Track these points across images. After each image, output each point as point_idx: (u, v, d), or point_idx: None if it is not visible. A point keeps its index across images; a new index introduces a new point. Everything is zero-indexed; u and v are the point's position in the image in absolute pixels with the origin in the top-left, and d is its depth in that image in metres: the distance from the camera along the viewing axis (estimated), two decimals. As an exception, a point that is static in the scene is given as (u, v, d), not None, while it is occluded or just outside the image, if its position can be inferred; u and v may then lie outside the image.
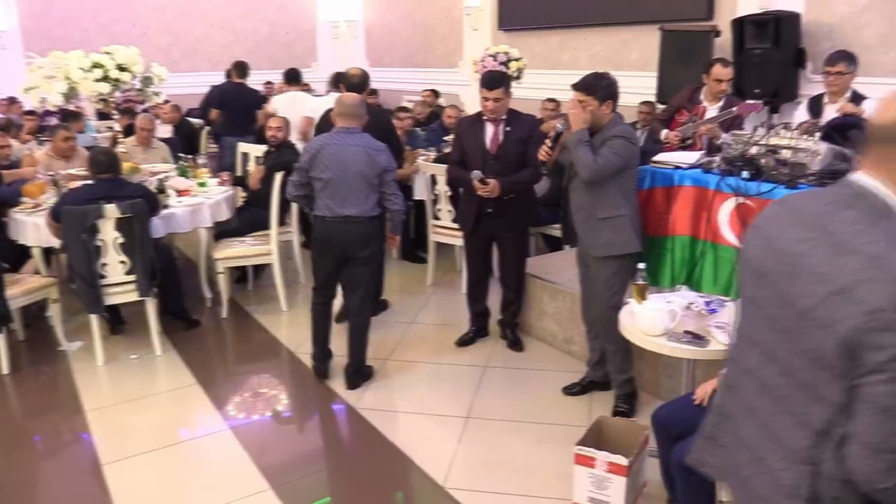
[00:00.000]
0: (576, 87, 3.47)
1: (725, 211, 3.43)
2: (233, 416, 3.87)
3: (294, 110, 6.94)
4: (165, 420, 3.85)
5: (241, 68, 8.02)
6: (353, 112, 3.91)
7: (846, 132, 3.71)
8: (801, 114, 4.62)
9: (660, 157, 3.86)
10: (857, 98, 4.36)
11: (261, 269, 5.87)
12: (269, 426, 3.82)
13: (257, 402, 4.04)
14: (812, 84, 5.82)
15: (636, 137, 3.74)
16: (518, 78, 6.45)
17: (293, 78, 7.64)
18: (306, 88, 8.57)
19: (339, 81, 5.97)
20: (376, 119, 4.66)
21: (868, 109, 4.17)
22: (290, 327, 5.06)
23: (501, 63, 6.35)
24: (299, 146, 6.08)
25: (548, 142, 3.61)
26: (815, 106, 4.55)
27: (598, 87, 3.42)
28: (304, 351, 4.60)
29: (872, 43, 5.46)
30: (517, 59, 6.41)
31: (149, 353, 4.56)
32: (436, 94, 8.86)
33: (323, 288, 4.16)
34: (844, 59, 4.33)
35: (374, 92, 10.11)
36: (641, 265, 3.20)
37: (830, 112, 4.41)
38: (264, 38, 11.32)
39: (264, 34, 11.31)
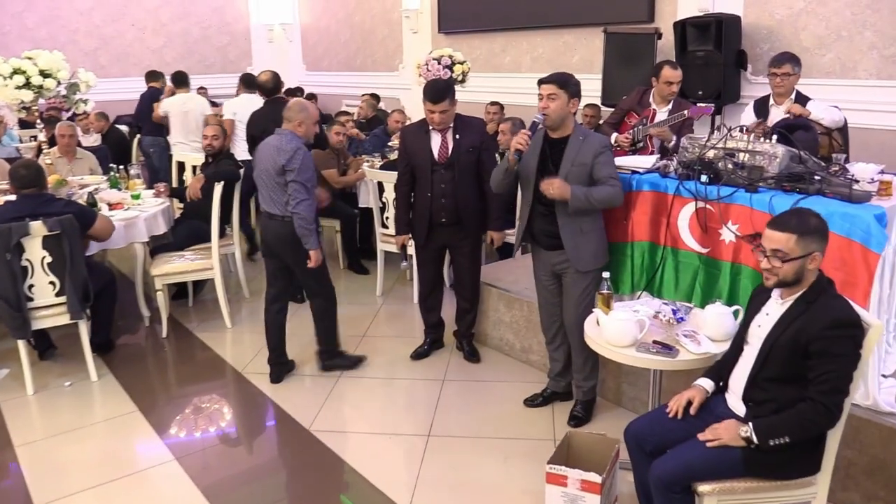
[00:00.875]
0: (547, 80, 3.37)
1: (685, 216, 3.39)
2: (178, 444, 3.63)
3: (183, 112, 7.23)
4: (104, 453, 3.57)
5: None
6: (286, 115, 3.99)
7: (792, 133, 3.74)
8: (747, 115, 4.64)
9: (617, 161, 3.79)
10: (801, 99, 4.40)
11: (201, 284, 5.60)
12: (218, 454, 3.59)
13: (204, 428, 3.81)
14: (752, 85, 5.90)
15: None
16: (463, 82, 6.35)
17: (181, 81, 7.70)
18: (203, 92, 8.97)
19: (254, 86, 6.25)
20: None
21: (812, 110, 4.22)
22: (236, 345, 4.84)
23: (446, 66, 6.23)
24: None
25: (526, 131, 3.36)
26: (762, 107, 4.58)
27: (570, 83, 3.36)
28: (251, 370, 4.39)
29: (810, 45, 5.55)
30: (461, 63, 6.30)
31: (83, 379, 4.27)
32: (376, 98, 8.71)
33: (269, 286, 4.23)
34: (789, 61, 4.37)
35: (312, 96, 9.93)
36: (606, 274, 3.12)
37: (776, 113, 4.45)
38: (197, 42, 10.95)
39: (197, 37, 10.95)
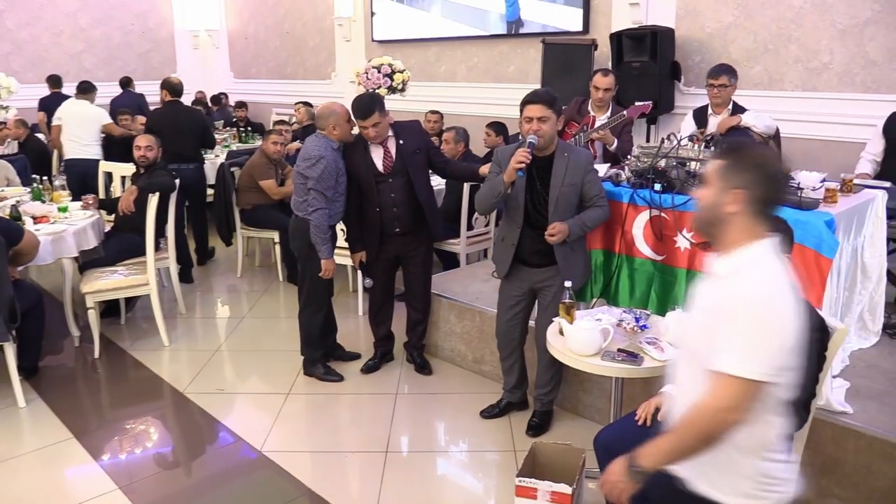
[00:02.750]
0: (536, 100, 3.26)
1: (640, 224, 3.44)
2: (121, 471, 3.41)
3: (79, 119, 7.07)
4: (39, 485, 3.33)
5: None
6: (318, 124, 4.05)
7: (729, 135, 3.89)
8: (687, 124, 4.76)
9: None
10: (738, 109, 4.54)
11: (133, 301, 5.35)
12: (166, 480, 3.39)
13: (148, 453, 3.61)
14: (686, 96, 6.08)
15: None
16: (403, 90, 6.29)
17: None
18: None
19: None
20: (190, 117, 6.36)
21: (744, 118, 4.36)
22: (174, 363, 4.62)
23: (386, 75, 6.16)
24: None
25: (526, 150, 3.27)
26: (701, 116, 4.71)
27: (555, 102, 3.30)
28: (192, 389, 4.21)
29: (739, 57, 5.75)
30: (401, 71, 6.24)
31: (10, 405, 3.98)
32: (308, 106, 8.55)
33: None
34: (726, 73, 4.50)
35: (241, 104, 9.69)
36: (568, 283, 3.12)
37: (715, 122, 4.58)
38: (118, 48, 10.51)
39: (118, 43, 10.50)
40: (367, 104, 3.92)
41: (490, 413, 3.82)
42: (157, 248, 4.99)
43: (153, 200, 4.66)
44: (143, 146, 5.11)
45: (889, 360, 3.51)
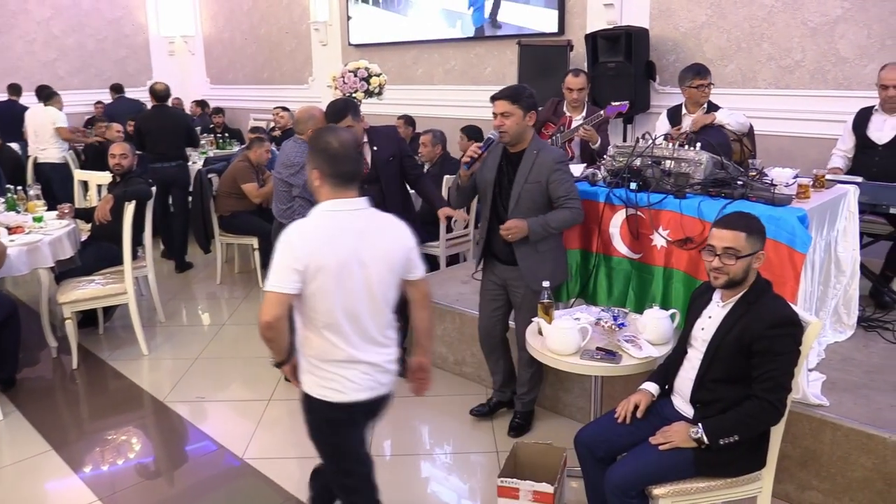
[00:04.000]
0: (499, 96, 3.27)
1: (617, 223, 3.46)
2: (101, 483, 3.38)
3: (36, 123, 7.76)
4: (17, 498, 3.29)
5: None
6: (297, 129, 4.13)
7: (704, 133, 3.94)
8: (662, 124, 4.80)
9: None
10: (712, 107, 4.58)
11: (111, 310, 5.30)
12: (148, 490, 3.36)
13: (129, 464, 3.58)
14: (661, 95, 6.13)
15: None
16: (380, 94, 6.29)
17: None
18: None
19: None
20: (175, 119, 6.83)
21: (718, 115, 4.40)
22: (154, 372, 4.59)
23: (362, 79, 6.15)
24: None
25: (477, 145, 3.33)
26: (675, 116, 4.74)
27: (523, 97, 3.25)
28: (173, 398, 4.18)
29: (713, 56, 5.81)
30: (378, 75, 6.23)
31: (-13, 418, 3.95)
32: (286, 111, 8.51)
33: None
34: (709, 72, 4.54)
35: (219, 110, 9.65)
36: (546, 283, 3.13)
37: (689, 121, 4.61)
38: (93, 55, 10.41)
39: (92, 50, 10.40)
40: (340, 108, 3.92)
41: (479, 411, 3.82)
42: (135, 256, 4.95)
43: (129, 209, 4.62)
44: (117, 154, 5.05)
45: (864, 352, 3.56)
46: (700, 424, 2.39)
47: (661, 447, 2.42)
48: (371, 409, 2.45)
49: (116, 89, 9.32)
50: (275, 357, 2.41)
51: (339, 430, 2.40)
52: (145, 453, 3.72)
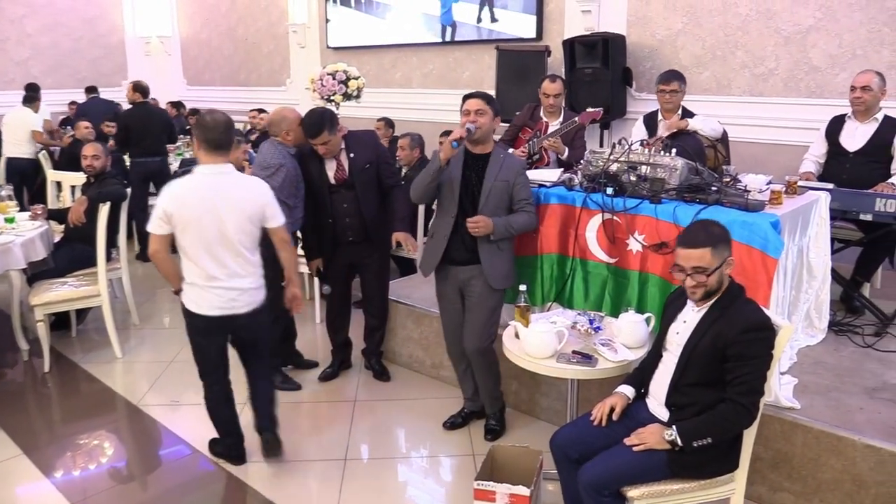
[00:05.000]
0: (474, 95, 3.41)
1: (593, 227, 3.48)
2: (74, 488, 3.34)
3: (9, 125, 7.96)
4: (-14, 502, 3.26)
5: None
6: (271, 131, 4.08)
7: (678, 138, 3.98)
8: (638, 129, 4.84)
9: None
10: (687, 114, 4.63)
11: (85, 312, 5.24)
12: (121, 494, 3.32)
13: (102, 468, 3.53)
14: (637, 101, 6.19)
15: None
16: (358, 97, 6.29)
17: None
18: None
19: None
20: (158, 116, 7.24)
21: (692, 122, 4.45)
22: (128, 375, 4.54)
23: (340, 81, 6.14)
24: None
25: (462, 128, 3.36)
26: (651, 122, 4.79)
27: (494, 101, 3.43)
28: (148, 401, 4.14)
29: (688, 63, 5.89)
30: (356, 78, 6.23)
31: (-45, 422, 3.88)
32: (264, 113, 8.47)
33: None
34: (677, 79, 4.59)
35: (195, 111, 9.56)
36: (523, 287, 3.15)
37: (664, 128, 4.66)
38: (67, 55, 10.29)
39: (67, 50, 10.28)
40: (317, 123, 3.87)
41: (453, 423, 3.81)
42: (109, 258, 4.90)
43: (104, 210, 4.57)
44: (89, 155, 5.00)
45: (835, 356, 3.62)
46: (674, 427, 2.41)
47: (634, 448, 2.44)
48: (224, 324, 3.22)
49: (90, 90, 9.25)
50: (171, 286, 3.26)
51: (198, 334, 3.27)
52: (118, 457, 3.67)
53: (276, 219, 3.25)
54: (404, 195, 4.15)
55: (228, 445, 3.49)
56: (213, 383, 3.36)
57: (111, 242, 4.92)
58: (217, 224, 3.06)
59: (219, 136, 3.10)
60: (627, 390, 2.68)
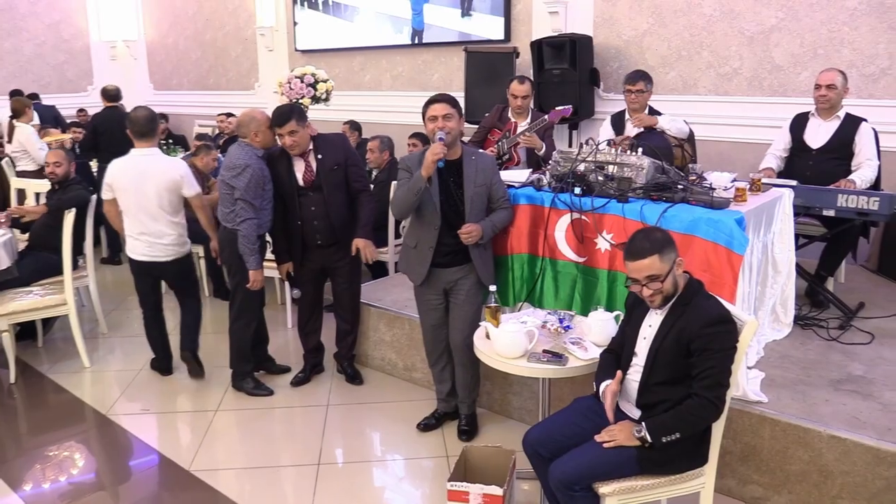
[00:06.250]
0: (439, 99, 3.42)
1: (562, 227, 3.51)
2: (41, 500, 3.28)
3: None
4: (-49, 518, 3.19)
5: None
6: (240, 132, 4.08)
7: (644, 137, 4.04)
8: (605, 129, 4.89)
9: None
10: (653, 113, 4.68)
11: (51, 322, 5.15)
12: (87, 505, 3.29)
13: (70, 480, 3.47)
14: (605, 102, 6.25)
15: None
16: (327, 100, 6.25)
17: None
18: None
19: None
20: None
21: (659, 121, 4.50)
22: (97, 385, 4.47)
23: (309, 85, 6.10)
24: None
25: (439, 143, 3.35)
26: (618, 122, 4.84)
27: (458, 103, 3.46)
28: (117, 411, 4.08)
29: (654, 64, 5.96)
30: (325, 81, 6.19)
31: (-83, 436, 3.79)
32: (232, 117, 8.40)
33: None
34: (642, 79, 4.64)
35: (163, 116, 9.45)
36: (493, 287, 3.16)
37: (632, 127, 4.71)
38: (30, 60, 10.10)
39: (30, 55, 10.09)
40: (285, 112, 3.92)
41: (426, 425, 3.80)
42: (75, 266, 4.83)
43: (69, 217, 4.50)
44: (51, 162, 4.94)
45: (800, 350, 3.68)
46: (643, 423, 2.44)
47: (605, 444, 2.46)
48: (150, 267, 4.25)
49: (32, 97, 8.84)
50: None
51: (133, 273, 4.34)
52: (88, 469, 3.62)
53: (191, 189, 4.22)
54: (370, 202, 4.14)
55: (159, 359, 4.53)
56: (147, 311, 4.42)
57: (77, 250, 4.85)
58: (142, 191, 4.09)
59: (142, 128, 4.14)
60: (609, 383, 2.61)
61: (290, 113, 3.90)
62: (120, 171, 4.16)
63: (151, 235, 4.13)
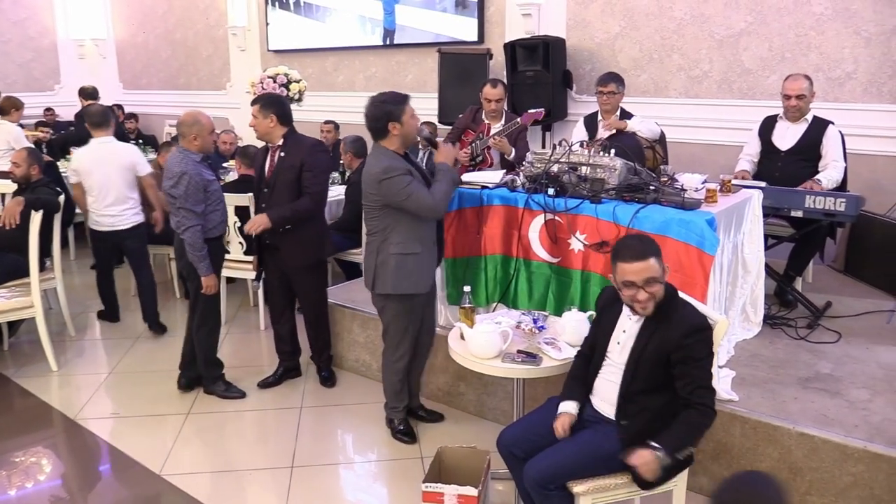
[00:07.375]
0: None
1: (535, 228, 3.52)
2: (5, 506, 3.23)
3: None
4: (-87, 526, 3.11)
5: None
6: (179, 131, 3.98)
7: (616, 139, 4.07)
8: (579, 131, 4.92)
9: (466, 177, 3.89)
10: (626, 115, 4.73)
11: (16, 325, 5.05)
12: (55, 511, 3.23)
13: (37, 486, 3.41)
14: (578, 103, 6.29)
15: None
16: (300, 100, 6.23)
17: None
18: None
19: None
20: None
21: (630, 123, 4.55)
22: (64, 388, 4.39)
23: (282, 85, 6.08)
24: None
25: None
26: (591, 123, 4.88)
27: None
28: (86, 415, 4.02)
29: (626, 66, 6.01)
30: (297, 81, 6.17)
31: None
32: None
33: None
34: (614, 80, 4.69)
35: (132, 116, 9.35)
36: (467, 288, 3.16)
37: (603, 129, 4.75)
38: (-6, 59, 9.91)
39: (-7, 53, 9.91)
40: (265, 96, 4.14)
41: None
42: (42, 267, 4.74)
43: (36, 218, 4.42)
44: (12, 163, 4.89)
45: (770, 348, 3.73)
46: (661, 448, 2.35)
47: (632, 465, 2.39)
48: (109, 236, 5.01)
49: None
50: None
51: (93, 241, 5.14)
52: (56, 475, 3.56)
53: (142, 169, 5.05)
54: (307, 202, 3.99)
55: (108, 311, 5.38)
56: (100, 272, 5.32)
57: (45, 251, 4.76)
58: (103, 172, 4.88)
59: (98, 119, 4.95)
60: (571, 407, 2.62)
61: (259, 99, 4.06)
62: (83, 157, 4.94)
63: (113, 206, 4.88)
